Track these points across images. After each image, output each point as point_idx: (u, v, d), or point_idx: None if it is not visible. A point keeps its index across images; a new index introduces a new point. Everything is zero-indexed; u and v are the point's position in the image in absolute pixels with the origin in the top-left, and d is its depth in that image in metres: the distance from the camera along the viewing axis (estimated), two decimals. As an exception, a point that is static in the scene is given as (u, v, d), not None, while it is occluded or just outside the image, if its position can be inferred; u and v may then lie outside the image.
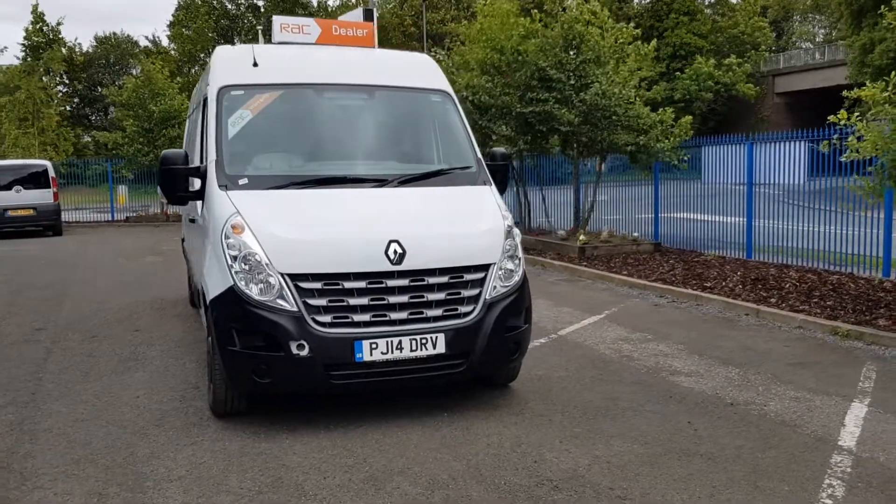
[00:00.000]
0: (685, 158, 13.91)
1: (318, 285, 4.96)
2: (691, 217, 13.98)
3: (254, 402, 5.47)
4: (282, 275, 4.94)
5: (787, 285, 9.82)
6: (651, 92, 49.46)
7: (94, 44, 53.54)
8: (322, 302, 4.96)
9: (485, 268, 5.36)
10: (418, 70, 6.73)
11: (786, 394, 5.93)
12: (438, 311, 5.17)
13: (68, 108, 49.87)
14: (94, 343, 7.87)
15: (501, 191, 6.52)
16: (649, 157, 13.93)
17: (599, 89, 13.40)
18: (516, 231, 5.72)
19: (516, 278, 5.53)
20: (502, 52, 14.59)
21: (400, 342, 5.03)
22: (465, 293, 5.27)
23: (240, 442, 4.98)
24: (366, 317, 5.01)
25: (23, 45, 36.44)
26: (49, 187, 21.03)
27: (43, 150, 32.51)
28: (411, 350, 5.05)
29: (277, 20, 6.77)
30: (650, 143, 13.40)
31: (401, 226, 5.25)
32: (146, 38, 64.48)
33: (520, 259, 5.63)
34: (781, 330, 8.13)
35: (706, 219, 13.70)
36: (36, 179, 20.92)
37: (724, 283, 10.22)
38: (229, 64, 6.26)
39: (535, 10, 14.93)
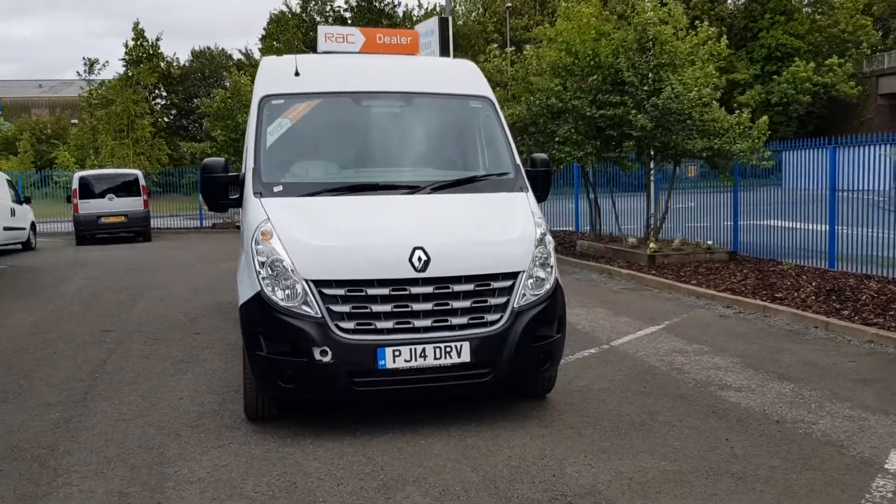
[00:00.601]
0: (766, 156, 13.31)
1: (341, 292, 4.98)
2: (770, 224, 13.42)
3: (285, 407, 5.54)
4: (306, 281, 4.98)
5: (864, 297, 9.28)
6: (744, 97, 47.70)
7: (191, 58, 55.98)
8: (345, 308, 4.97)
9: (513, 275, 5.26)
10: (459, 76, 6.69)
11: (839, 412, 5.59)
12: (464, 319, 5.11)
13: (166, 119, 52.11)
14: (154, 345, 8.14)
15: (542, 198, 6.42)
16: (727, 161, 13.44)
17: (672, 93, 13.03)
18: (549, 239, 5.60)
19: (547, 286, 5.41)
20: (577, 56, 14.35)
21: (424, 350, 4.99)
22: (492, 301, 5.19)
23: (265, 446, 5.04)
24: (389, 324, 4.99)
25: (124, 59, 38.25)
26: (140, 195, 21.99)
27: (137, 160, 34.05)
28: (435, 358, 5.00)
29: (322, 30, 6.86)
30: (724, 147, 12.93)
31: (426, 233, 5.21)
32: (239, 51, 66.65)
33: (552, 267, 5.51)
34: (850, 344, 7.68)
35: (786, 226, 13.12)
36: (128, 188, 21.92)
37: (796, 294, 9.75)
38: (272, 74, 6.38)
39: (610, 13, 14.64)
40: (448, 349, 5.02)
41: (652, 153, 14.17)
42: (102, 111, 34.67)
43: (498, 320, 5.17)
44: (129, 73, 37.52)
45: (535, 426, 5.35)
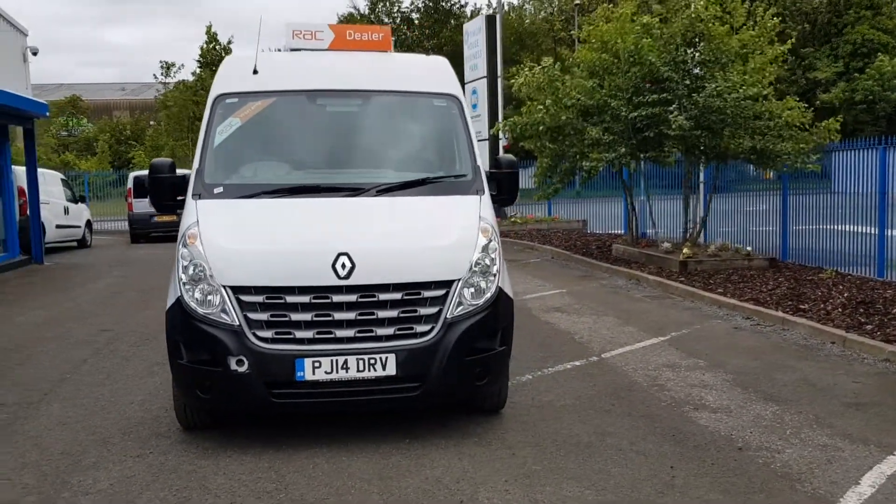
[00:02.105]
0: (814, 159, 12.49)
1: (260, 299, 4.77)
2: (819, 229, 12.60)
3: (223, 417, 5.36)
4: (224, 287, 4.79)
5: (895, 310, 8.54)
6: (828, 95, 45.51)
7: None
8: (264, 316, 4.76)
9: (446, 284, 4.95)
10: (427, 74, 6.39)
11: (814, 439, 5.07)
12: (390, 330, 4.82)
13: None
14: (141, 347, 8.14)
15: (508, 201, 6.09)
16: (772, 163, 12.70)
17: (714, 91, 12.35)
18: (494, 245, 5.25)
19: (487, 296, 5.06)
20: (616, 55, 13.76)
21: (346, 361, 4.73)
22: (423, 311, 4.88)
23: (183, 457, 4.88)
24: (309, 333, 4.75)
25: (198, 61, 39.29)
26: (192, 195, 22.35)
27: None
28: (358, 370, 4.74)
29: (290, 26, 6.66)
30: (768, 147, 12.19)
31: (355, 238, 4.95)
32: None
33: (495, 276, 5.15)
34: (863, 362, 7.04)
35: (835, 231, 12.29)
36: (181, 188, 22.30)
37: (822, 306, 9.06)
38: (231, 72, 6.22)
39: (651, 15, 13.99)
40: (372, 361, 4.75)
41: (692, 153, 13.50)
42: (164, 113, 35.67)
43: (428, 332, 4.87)
44: (202, 76, 38.48)
45: (472, 445, 5.02)
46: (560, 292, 11.33)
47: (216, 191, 5.43)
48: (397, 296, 4.84)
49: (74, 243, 20.70)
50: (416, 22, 48.26)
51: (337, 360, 4.72)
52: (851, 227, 11.90)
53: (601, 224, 19.86)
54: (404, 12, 48.86)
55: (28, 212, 16.36)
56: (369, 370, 4.74)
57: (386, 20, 48.80)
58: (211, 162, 5.64)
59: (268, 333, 4.74)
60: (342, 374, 4.72)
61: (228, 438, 5.16)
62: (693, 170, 13.97)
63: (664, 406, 5.85)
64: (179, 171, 5.76)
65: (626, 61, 13.32)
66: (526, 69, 14.98)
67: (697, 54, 12.78)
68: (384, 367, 4.76)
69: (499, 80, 20.73)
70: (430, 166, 5.94)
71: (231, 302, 4.76)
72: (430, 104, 6.17)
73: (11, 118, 15.50)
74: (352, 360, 4.73)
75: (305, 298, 4.76)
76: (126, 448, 5.07)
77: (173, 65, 40.56)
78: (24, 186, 16.39)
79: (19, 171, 16.56)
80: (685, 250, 12.68)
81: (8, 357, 7.76)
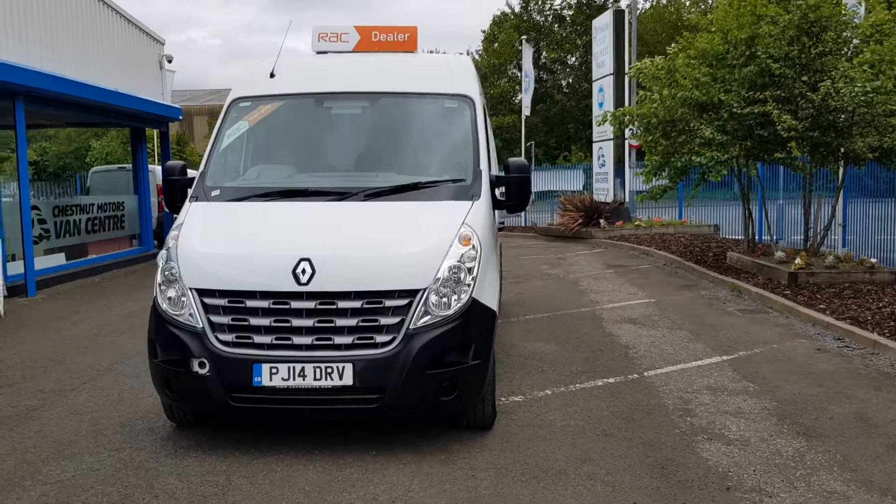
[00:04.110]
0: None
1: (222, 302, 4.78)
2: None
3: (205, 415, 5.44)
4: (191, 289, 4.84)
5: None
6: None
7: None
8: (226, 320, 4.77)
9: (411, 293, 4.74)
10: (442, 74, 6.20)
11: (824, 485, 4.43)
12: (349, 339, 4.69)
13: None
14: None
15: (517, 208, 5.81)
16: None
17: (832, 87, 11.23)
18: (472, 254, 4.97)
19: (458, 307, 4.80)
20: (731, 44, 12.78)
21: (303, 369, 4.65)
22: (384, 321, 4.71)
23: (153, 454, 4.98)
24: (268, 339, 4.71)
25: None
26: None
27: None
28: (315, 379, 4.64)
29: (316, 29, 6.68)
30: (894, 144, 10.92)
31: (320, 244, 4.85)
32: (461, 54, 68.03)
33: (468, 286, 4.88)
34: (946, 398, 6.11)
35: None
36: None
37: (929, 329, 7.98)
38: (249, 76, 6.33)
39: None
40: (329, 370, 4.64)
41: (816, 154, 12.35)
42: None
43: (389, 342, 4.69)
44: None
45: (436, 463, 4.79)
46: (648, 302, 10.69)
47: (213, 193, 5.53)
48: (357, 304, 4.70)
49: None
50: (568, 19, 47.48)
51: (294, 368, 4.65)
52: None
53: (735, 229, 18.60)
54: (556, 9, 48.19)
55: (164, 209, 17.57)
56: (326, 379, 4.64)
57: (538, 18, 48.34)
58: (214, 165, 5.75)
59: (229, 337, 4.74)
60: (299, 382, 4.64)
61: (211, 436, 5.23)
62: (814, 172, 12.74)
63: (676, 434, 5.33)
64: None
65: (740, 53, 12.36)
66: (647, 59, 14.22)
67: (818, 45, 11.62)
68: (341, 377, 4.63)
69: (626, 78, 19.91)
70: (428, 170, 5.75)
71: (196, 304, 4.81)
72: (440, 105, 5.97)
73: (147, 122, 16.72)
74: (309, 367, 4.64)
75: (265, 303, 4.72)
76: (112, 441, 5.25)
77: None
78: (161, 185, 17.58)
79: (157, 171, 17.81)
80: (797, 261, 11.59)
81: (78, 345, 8.31)
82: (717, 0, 13.94)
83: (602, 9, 46.63)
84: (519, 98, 48.43)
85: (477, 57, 51.06)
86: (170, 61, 17.69)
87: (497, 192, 5.81)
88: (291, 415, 4.93)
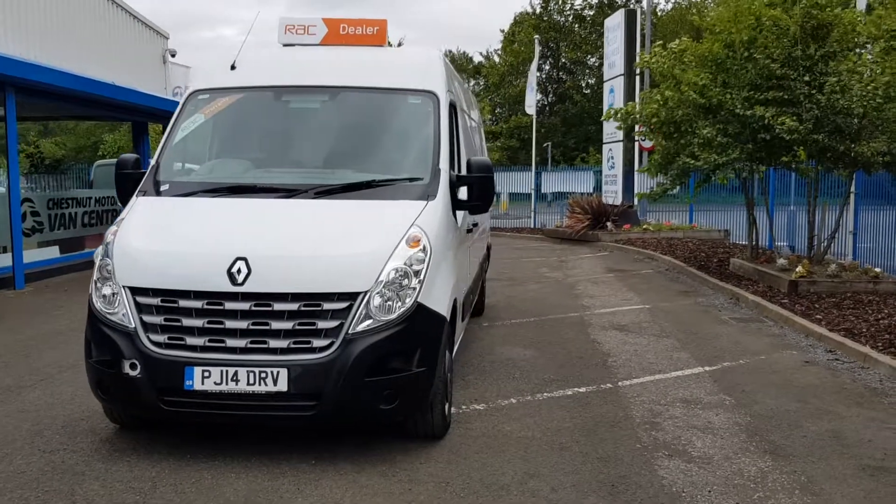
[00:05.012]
0: None
1: (156, 301, 4.59)
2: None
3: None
4: (124, 287, 4.66)
5: None
6: None
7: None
8: (158, 320, 4.58)
9: (350, 296, 4.52)
10: (408, 69, 5.98)
11: (779, 511, 4.15)
12: (284, 343, 4.48)
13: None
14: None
15: (479, 209, 5.58)
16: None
17: (837, 86, 10.86)
18: (420, 256, 4.74)
19: (400, 311, 4.58)
20: (731, 47, 12.44)
21: (236, 373, 4.45)
22: (322, 324, 4.49)
23: (85, 458, 4.81)
24: (201, 341, 4.51)
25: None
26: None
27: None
28: (248, 384, 4.44)
29: (283, 21, 6.47)
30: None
31: (258, 243, 4.65)
32: (480, 53, 67.60)
33: (414, 290, 4.65)
34: (932, 417, 5.79)
35: None
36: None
37: (924, 343, 7.63)
38: (211, 68, 6.14)
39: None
40: (263, 375, 4.43)
41: (822, 159, 11.98)
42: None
43: (327, 347, 4.47)
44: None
45: (375, 474, 4.56)
46: (641, 308, 10.39)
47: (162, 188, 5.35)
48: (294, 306, 4.48)
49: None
50: (589, 19, 47.04)
51: (227, 371, 4.45)
52: None
53: (745, 235, 18.18)
54: (577, 9, 47.74)
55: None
56: (260, 384, 4.43)
57: (558, 18, 47.95)
58: (166, 159, 5.57)
59: (161, 338, 4.55)
60: (232, 387, 4.44)
61: (151, 439, 5.04)
62: (820, 178, 12.36)
63: (636, 449, 5.07)
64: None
65: (740, 56, 12.01)
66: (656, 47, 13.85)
67: (822, 47, 11.26)
68: (275, 383, 4.42)
69: (637, 79, 19.57)
70: (385, 168, 5.52)
71: (129, 303, 4.63)
72: (403, 101, 5.75)
73: (149, 116, 16.63)
74: (242, 372, 4.44)
75: (198, 304, 4.53)
76: (49, 442, 5.08)
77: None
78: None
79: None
80: (799, 269, 11.23)
81: (50, 340, 8.18)
82: (718, 2, 13.58)
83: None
84: (538, 99, 48.17)
85: (496, 57, 50.79)
86: (173, 55, 17.62)
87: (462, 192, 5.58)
88: (224, 420, 4.72)
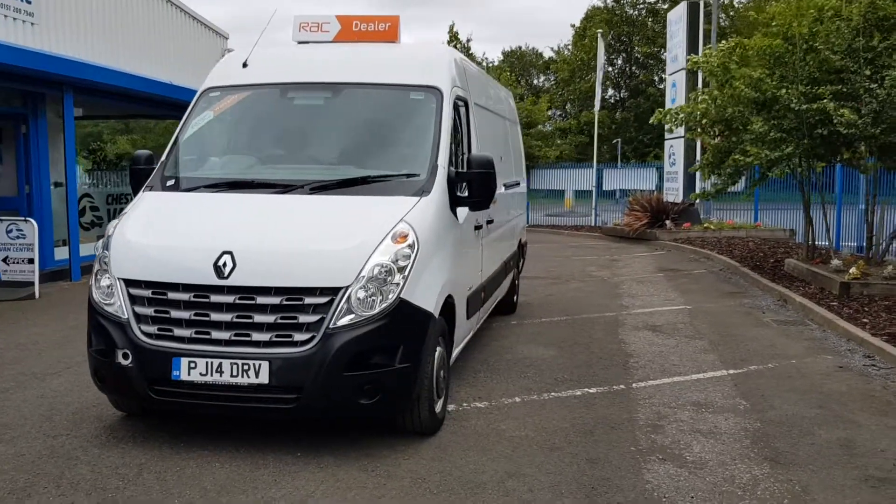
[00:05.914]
0: None
1: (147, 293, 4.73)
2: None
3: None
4: (119, 279, 4.81)
5: None
6: None
7: (501, 57, 57.82)
8: (149, 311, 4.71)
9: (332, 291, 4.55)
10: (414, 65, 5.97)
11: (759, 521, 3.99)
12: (267, 336, 4.54)
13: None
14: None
15: (479, 205, 5.55)
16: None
17: (896, 79, 10.33)
18: (406, 252, 4.73)
19: (383, 307, 4.58)
20: (790, 41, 11.99)
21: (220, 365, 4.54)
22: (304, 318, 4.54)
23: (86, 443, 4.99)
24: (188, 332, 4.62)
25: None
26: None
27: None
28: (231, 375, 4.53)
29: (297, 18, 6.54)
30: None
31: (244, 237, 4.73)
32: (551, 48, 66.74)
33: (397, 285, 4.64)
34: (958, 428, 5.46)
35: None
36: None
37: (971, 350, 7.19)
38: (224, 65, 6.28)
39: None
40: (245, 367, 4.51)
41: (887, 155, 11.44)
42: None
43: (308, 340, 4.52)
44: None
45: (354, 469, 4.59)
46: (681, 309, 10.12)
47: (168, 183, 5.49)
48: (276, 300, 4.55)
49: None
50: (662, 13, 45.99)
51: (212, 363, 4.54)
52: None
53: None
54: (650, 2, 46.79)
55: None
56: (242, 376, 4.51)
57: (631, 12, 47.09)
58: (175, 154, 5.72)
59: (151, 329, 4.69)
60: (216, 378, 4.54)
61: (152, 428, 5.20)
62: (878, 175, 11.80)
63: (629, 452, 4.95)
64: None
65: (800, 48, 11.55)
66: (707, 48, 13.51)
67: (886, 39, 10.73)
68: (257, 375, 4.49)
69: (699, 73, 19.03)
70: (384, 164, 5.53)
71: (123, 294, 4.77)
72: (406, 97, 5.75)
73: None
74: (226, 363, 4.53)
75: (186, 296, 4.64)
76: (56, 427, 5.29)
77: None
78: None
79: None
80: (852, 270, 10.74)
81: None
82: None
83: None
84: (609, 94, 47.50)
85: (566, 52, 50.22)
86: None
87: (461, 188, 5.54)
88: (208, 411, 4.83)
